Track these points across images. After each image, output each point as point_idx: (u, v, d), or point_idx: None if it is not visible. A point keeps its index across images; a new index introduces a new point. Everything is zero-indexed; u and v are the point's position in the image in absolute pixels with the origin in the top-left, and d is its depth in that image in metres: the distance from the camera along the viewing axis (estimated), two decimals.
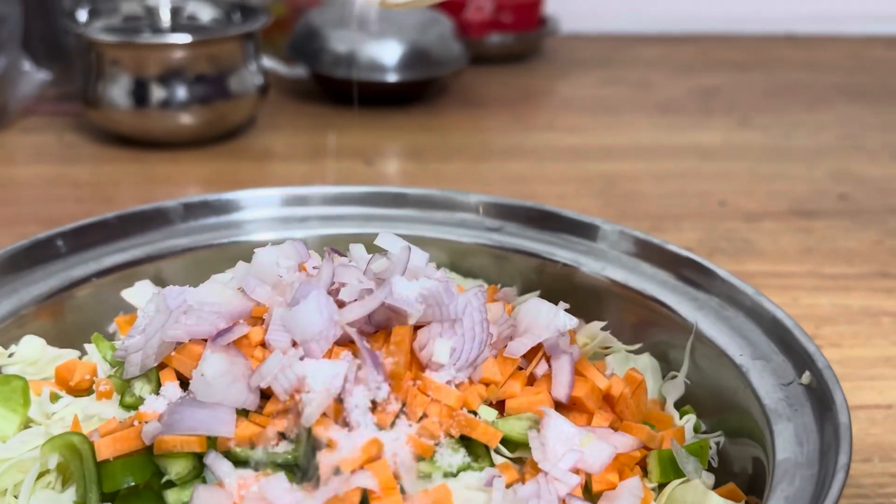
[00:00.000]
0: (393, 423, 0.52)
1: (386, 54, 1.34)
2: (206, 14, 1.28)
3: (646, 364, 0.67)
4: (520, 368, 0.59)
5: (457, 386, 0.55)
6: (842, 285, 0.92)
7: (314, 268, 0.62)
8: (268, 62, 1.34)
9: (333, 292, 0.57)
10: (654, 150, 1.26)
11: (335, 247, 0.64)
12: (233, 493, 0.49)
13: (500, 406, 0.57)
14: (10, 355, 0.65)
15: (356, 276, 0.59)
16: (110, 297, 0.70)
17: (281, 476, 0.50)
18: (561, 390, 0.58)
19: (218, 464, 0.51)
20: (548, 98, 1.53)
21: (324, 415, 0.51)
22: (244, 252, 0.65)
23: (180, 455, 0.51)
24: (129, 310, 0.69)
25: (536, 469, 0.53)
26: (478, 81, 1.50)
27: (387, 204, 0.79)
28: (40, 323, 0.67)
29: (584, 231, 0.74)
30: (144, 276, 0.72)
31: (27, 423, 0.60)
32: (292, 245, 0.62)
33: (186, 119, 1.19)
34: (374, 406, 0.52)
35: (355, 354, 0.54)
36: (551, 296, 0.66)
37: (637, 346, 0.68)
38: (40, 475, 0.54)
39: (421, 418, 0.53)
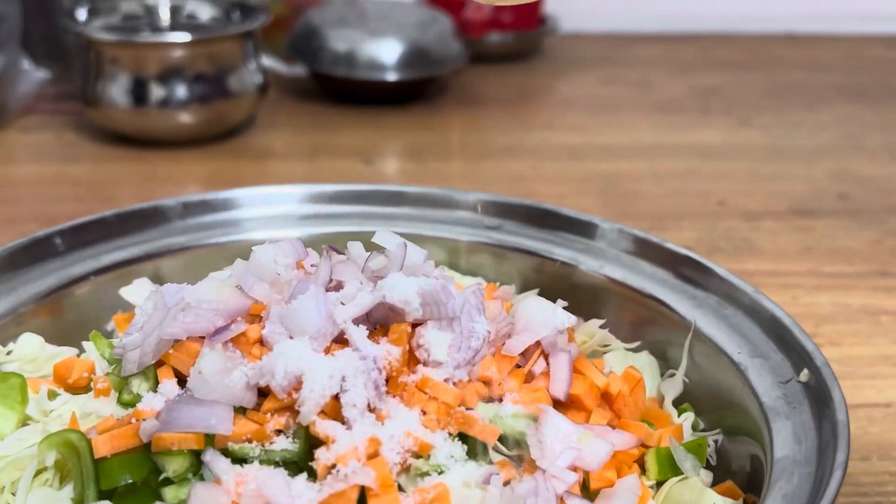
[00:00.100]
0: (391, 421, 0.52)
1: (385, 53, 1.33)
2: (205, 13, 1.28)
3: (644, 362, 0.67)
4: (518, 366, 0.59)
5: (455, 383, 0.55)
6: (841, 284, 0.92)
7: (312, 266, 0.62)
8: (267, 61, 1.34)
9: (331, 290, 0.57)
10: (653, 150, 1.26)
11: (333, 245, 0.64)
12: (230, 490, 0.49)
13: (498, 404, 0.57)
14: (9, 353, 0.65)
15: (354, 274, 0.59)
16: (108, 295, 0.70)
17: (279, 473, 0.50)
18: (559, 388, 0.58)
19: (216, 461, 0.51)
20: (547, 97, 1.53)
21: (321, 412, 0.51)
22: (242, 250, 0.65)
23: (178, 452, 0.51)
24: (128, 308, 0.69)
25: (534, 466, 0.53)
26: (477, 80, 1.50)
27: (385, 202, 0.79)
28: (39, 321, 0.67)
29: (582, 229, 0.74)
30: (143, 274, 0.72)
31: (25, 421, 0.60)
32: (290, 243, 0.62)
33: (186, 118, 1.19)
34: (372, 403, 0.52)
35: (353, 352, 0.53)
36: (550, 294, 0.66)
37: (635, 345, 0.68)
38: (38, 472, 0.54)
39: (419, 416, 0.53)
